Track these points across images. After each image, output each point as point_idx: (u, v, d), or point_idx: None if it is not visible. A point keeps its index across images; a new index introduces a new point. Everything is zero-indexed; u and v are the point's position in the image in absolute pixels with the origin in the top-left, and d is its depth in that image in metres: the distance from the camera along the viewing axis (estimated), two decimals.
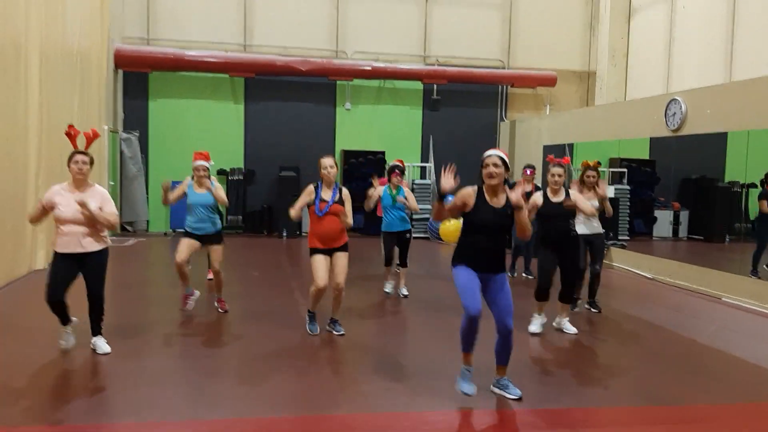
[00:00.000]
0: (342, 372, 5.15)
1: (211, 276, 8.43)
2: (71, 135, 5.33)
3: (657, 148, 11.52)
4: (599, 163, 7.21)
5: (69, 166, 5.16)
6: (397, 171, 7.90)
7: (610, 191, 12.83)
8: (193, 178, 6.72)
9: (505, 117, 15.82)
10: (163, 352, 5.60)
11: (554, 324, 6.49)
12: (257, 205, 14.70)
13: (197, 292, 6.88)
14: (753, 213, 10.03)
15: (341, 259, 5.91)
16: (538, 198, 6.33)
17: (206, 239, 6.62)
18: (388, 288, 8.13)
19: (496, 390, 4.52)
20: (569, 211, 6.32)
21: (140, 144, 14.01)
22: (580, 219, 6.90)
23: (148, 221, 14.33)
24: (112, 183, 13.13)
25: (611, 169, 14.19)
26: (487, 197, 4.35)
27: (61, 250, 5.15)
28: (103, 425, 4.00)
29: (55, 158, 8.83)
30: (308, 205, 5.90)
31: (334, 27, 14.93)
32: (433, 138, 15.26)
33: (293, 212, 5.93)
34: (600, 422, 4.29)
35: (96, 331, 5.43)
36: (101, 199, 5.23)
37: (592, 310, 7.31)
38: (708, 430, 4.23)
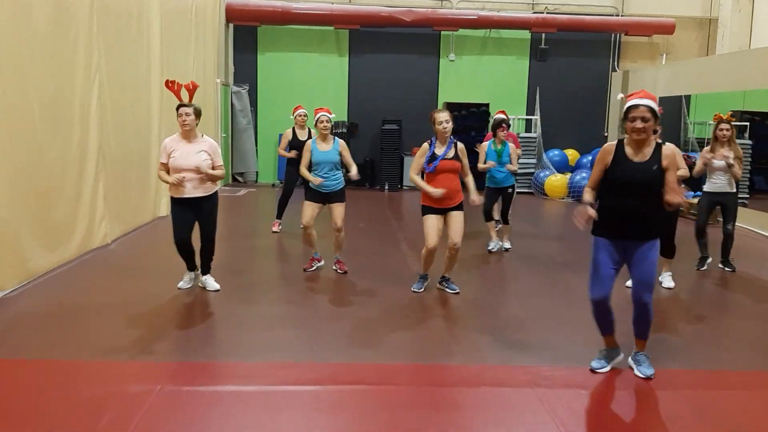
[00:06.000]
0: (454, 325, 5.20)
1: (276, 228, 8.67)
2: (173, 89, 5.56)
3: None
4: (733, 116, 6.80)
5: (178, 119, 5.45)
6: (504, 125, 7.62)
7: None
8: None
9: (618, 67, 15.09)
10: (275, 299, 5.82)
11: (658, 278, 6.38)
12: (360, 159, 14.82)
13: (323, 262, 6.75)
14: None
15: (457, 218, 5.62)
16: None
17: (330, 197, 6.40)
18: (492, 246, 7.88)
19: (631, 363, 4.24)
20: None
21: (249, 97, 14.42)
22: (713, 176, 6.82)
23: (257, 172, 14.82)
24: (224, 135, 13.64)
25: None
26: (628, 151, 3.87)
27: (175, 195, 5.49)
28: (216, 363, 4.25)
29: (174, 113, 9.25)
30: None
31: None
32: (540, 90, 14.81)
33: (413, 174, 5.64)
34: (720, 385, 4.14)
35: (206, 270, 5.83)
36: (210, 150, 5.51)
37: (726, 269, 7.13)
38: None
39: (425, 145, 5.65)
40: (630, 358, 4.25)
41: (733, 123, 6.74)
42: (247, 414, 3.51)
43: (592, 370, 4.14)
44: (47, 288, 5.72)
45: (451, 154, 5.60)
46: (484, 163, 7.62)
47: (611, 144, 3.99)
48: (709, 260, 7.15)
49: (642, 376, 4.09)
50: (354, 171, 6.37)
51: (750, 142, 12.82)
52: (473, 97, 14.64)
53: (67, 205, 6.49)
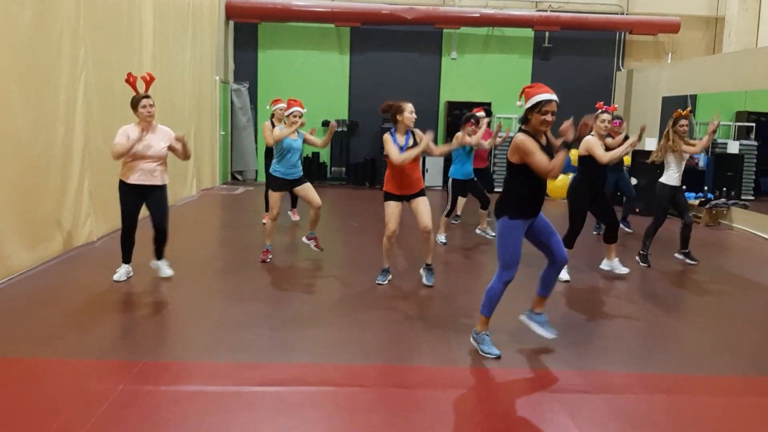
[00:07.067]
0: (428, 325, 5.08)
1: (296, 217, 9.14)
2: (131, 82, 5.67)
3: None
4: (691, 112, 7.20)
5: (138, 110, 5.57)
6: (472, 120, 7.91)
7: (734, 147, 11.96)
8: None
9: (622, 66, 14.93)
10: (247, 296, 5.70)
11: (603, 267, 6.70)
12: (360, 157, 14.79)
13: (271, 256, 6.93)
14: None
15: (422, 202, 5.82)
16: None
17: (297, 182, 6.77)
18: (442, 239, 8.09)
19: (529, 322, 4.49)
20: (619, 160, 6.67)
21: (249, 95, 14.38)
22: (671, 169, 6.99)
23: (256, 171, 14.79)
24: (222, 133, 13.62)
25: (737, 123, 13.15)
26: (541, 140, 4.21)
27: (132, 181, 5.59)
28: (181, 363, 4.19)
29: (166, 107, 9.21)
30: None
31: None
32: None
33: (400, 156, 5.64)
34: (699, 390, 4.02)
35: (159, 255, 5.88)
36: (169, 137, 5.73)
37: (687, 261, 7.27)
38: None
39: (387, 135, 5.77)
40: (529, 318, 4.51)
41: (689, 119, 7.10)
42: (207, 415, 3.44)
43: (497, 358, 4.28)
44: (26, 285, 5.67)
45: (411, 142, 5.78)
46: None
47: (527, 136, 4.14)
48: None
49: (550, 336, 4.40)
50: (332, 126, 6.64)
51: (756, 143, 12.61)
52: (475, 95, 14.52)
53: (51, 202, 6.45)
